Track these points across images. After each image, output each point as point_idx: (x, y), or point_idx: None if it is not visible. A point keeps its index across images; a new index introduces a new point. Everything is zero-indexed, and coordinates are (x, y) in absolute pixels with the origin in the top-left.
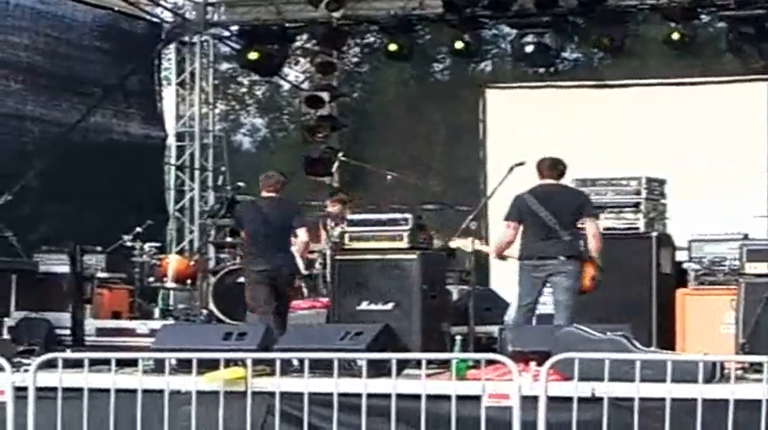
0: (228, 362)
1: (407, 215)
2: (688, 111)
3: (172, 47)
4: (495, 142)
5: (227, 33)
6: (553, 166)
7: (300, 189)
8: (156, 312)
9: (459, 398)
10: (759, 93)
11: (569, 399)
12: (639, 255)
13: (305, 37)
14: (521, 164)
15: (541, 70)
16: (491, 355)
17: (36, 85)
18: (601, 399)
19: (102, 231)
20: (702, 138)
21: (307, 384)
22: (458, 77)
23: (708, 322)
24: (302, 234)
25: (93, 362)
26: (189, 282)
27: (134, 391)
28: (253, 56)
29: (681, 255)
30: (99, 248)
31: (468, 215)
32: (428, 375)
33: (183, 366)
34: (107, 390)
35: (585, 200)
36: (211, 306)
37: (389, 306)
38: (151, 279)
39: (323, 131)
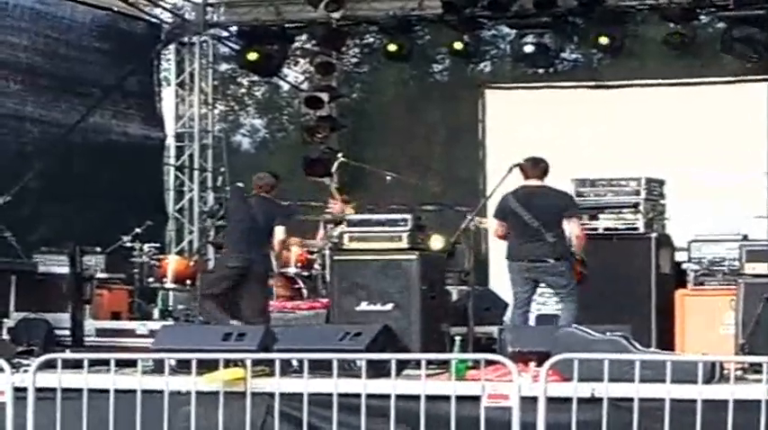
0: (228, 363)
1: (407, 215)
2: (687, 112)
3: (171, 47)
4: (495, 143)
5: (226, 34)
6: (535, 165)
7: (300, 189)
8: (156, 313)
9: (459, 398)
10: (758, 93)
11: (569, 400)
12: (639, 256)
13: (304, 37)
14: (520, 164)
15: (541, 71)
16: (490, 356)
17: (35, 86)
18: (600, 400)
19: (102, 232)
20: (701, 138)
21: (306, 385)
22: (457, 78)
23: (707, 323)
24: (279, 232)
25: (93, 363)
26: (188, 282)
27: (133, 392)
28: (252, 56)
29: (680, 256)
30: (98, 249)
31: (467, 215)
32: (427, 376)
33: (183, 367)
34: (106, 391)
35: (569, 200)
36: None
37: (389, 306)
38: (150, 279)
39: (322, 132)
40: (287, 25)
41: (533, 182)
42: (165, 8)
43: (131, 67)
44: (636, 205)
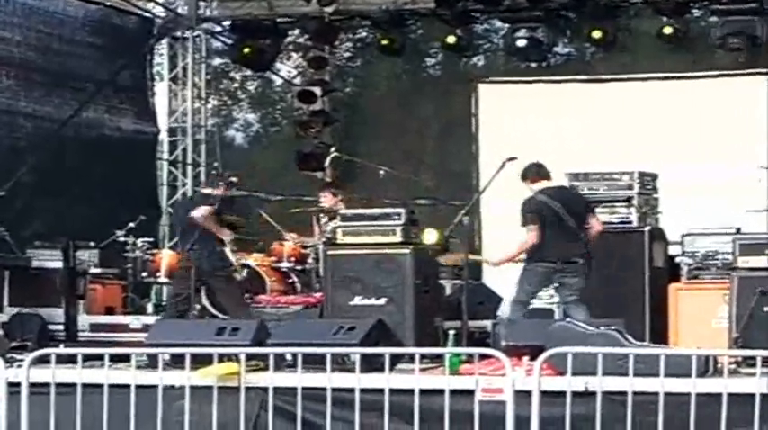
0: (222, 358)
1: (400, 210)
2: (680, 106)
3: (164, 42)
4: (488, 137)
5: (219, 28)
6: (541, 167)
7: (293, 184)
8: (150, 307)
9: (453, 392)
10: (751, 87)
11: (562, 394)
12: (632, 250)
13: (297, 32)
14: (513, 158)
15: (533, 65)
16: (484, 350)
17: (28, 81)
18: (594, 394)
19: (95, 227)
20: (694, 132)
21: (300, 379)
22: (450, 72)
23: (701, 316)
24: (194, 213)
25: (87, 358)
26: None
27: (127, 387)
28: (245, 51)
29: (674, 250)
30: (92, 244)
31: (460, 210)
32: (421, 370)
33: (177, 361)
34: (100, 386)
35: (585, 197)
36: (204, 301)
37: (382, 301)
38: (144, 274)
39: (315, 126)
40: (279, 20)
41: (550, 183)
42: (157, 3)
43: (124, 61)
44: (629, 199)
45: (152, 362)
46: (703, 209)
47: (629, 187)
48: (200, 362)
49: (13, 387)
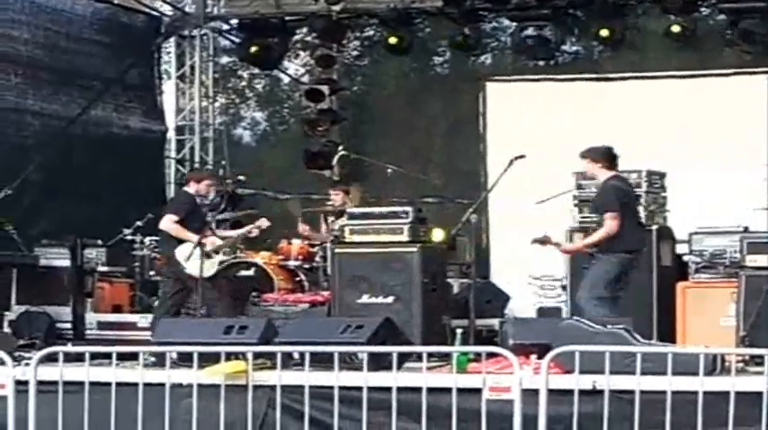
0: (229, 356)
1: (408, 208)
2: (688, 104)
3: (172, 40)
4: (496, 135)
5: (226, 27)
6: (617, 156)
7: (301, 182)
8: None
9: (460, 391)
10: (759, 85)
11: (570, 392)
12: None
13: (304, 30)
14: (521, 157)
15: (541, 63)
16: (492, 348)
17: (36, 79)
18: (602, 392)
19: (103, 225)
20: (702, 130)
21: (307, 377)
22: (458, 70)
23: (708, 315)
24: (160, 224)
25: (94, 356)
26: None
27: (135, 385)
28: (253, 49)
29: (681, 248)
30: (99, 242)
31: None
32: (429, 368)
33: (184, 360)
34: (108, 384)
35: None
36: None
37: (390, 299)
38: (152, 272)
39: (323, 125)
40: (287, 18)
41: (615, 172)
42: (165, 1)
43: (132, 60)
44: (637, 197)
45: (159, 361)
46: (712, 207)
47: (638, 185)
48: (208, 360)
49: (21, 385)
